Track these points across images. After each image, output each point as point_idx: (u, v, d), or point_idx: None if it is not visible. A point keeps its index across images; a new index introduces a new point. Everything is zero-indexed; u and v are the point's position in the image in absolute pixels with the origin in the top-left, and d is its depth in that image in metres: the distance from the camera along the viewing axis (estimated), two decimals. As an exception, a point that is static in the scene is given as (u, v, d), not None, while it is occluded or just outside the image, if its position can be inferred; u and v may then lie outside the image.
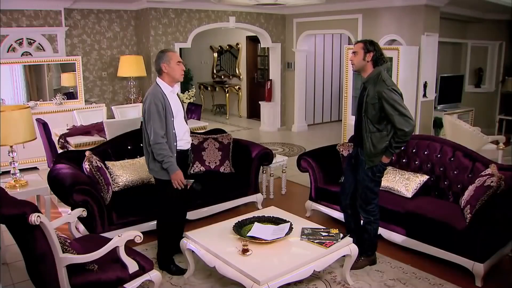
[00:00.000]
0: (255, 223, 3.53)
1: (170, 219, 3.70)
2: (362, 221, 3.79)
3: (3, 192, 2.81)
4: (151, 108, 3.35)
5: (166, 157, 3.37)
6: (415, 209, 3.96)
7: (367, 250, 3.75)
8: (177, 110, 3.52)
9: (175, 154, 3.48)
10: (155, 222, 4.30)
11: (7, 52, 6.91)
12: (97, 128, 5.77)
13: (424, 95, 7.16)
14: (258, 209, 4.87)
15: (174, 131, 3.46)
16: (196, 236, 3.44)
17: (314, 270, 3.15)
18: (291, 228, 3.40)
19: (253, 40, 11.11)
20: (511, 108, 9.16)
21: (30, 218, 2.47)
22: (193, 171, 5.07)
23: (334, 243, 3.28)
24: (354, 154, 3.74)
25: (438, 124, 7.54)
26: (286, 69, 9.84)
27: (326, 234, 3.40)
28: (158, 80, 3.49)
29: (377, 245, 3.83)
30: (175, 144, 3.48)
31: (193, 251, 3.44)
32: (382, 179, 4.39)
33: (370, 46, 3.40)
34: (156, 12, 7.89)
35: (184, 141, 3.59)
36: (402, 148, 3.46)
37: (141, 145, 4.77)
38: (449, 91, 8.30)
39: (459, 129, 6.30)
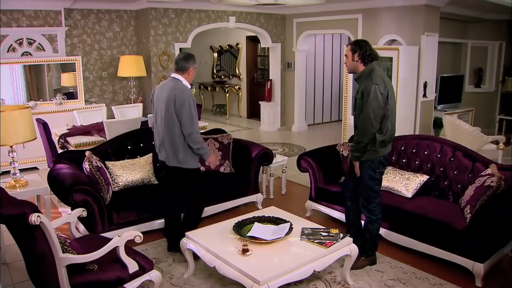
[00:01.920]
0: (255, 223, 3.53)
1: (202, 200, 4.12)
2: (364, 222, 3.80)
3: (3, 192, 2.81)
4: (191, 102, 3.68)
5: (203, 143, 3.78)
6: (415, 209, 3.96)
7: (368, 250, 3.76)
8: None
9: None
10: (155, 221, 4.34)
11: (7, 52, 6.90)
12: (97, 128, 5.77)
13: (424, 95, 7.17)
14: (258, 209, 4.87)
15: None
16: (196, 236, 3.44)
17: (314, 270, 3.15)
18: (291, 228, 3.40)
19: (253, 40, 11.11)
20: (511, 108, 9.16)
21: (30, 218, 2.47)
22: (193, 171, 5.07)
23: (334, 243, 3.28)
24: None
25: (438, 124, 7.54)
26: (286, 69, 9.84)
27: (326, 234, 3.40)
28: (180, 77, 3.77)
29: (377, 245, 3.84)
30: None
31: (193, 251, 3.44)
32: (382, 178, 4.42)
33: (355, 46, 3.53)
34: (156, 12, 7.89)
35: None
36: (358, 147, 3.47)
37: (142, 144, 4.83)
38: (449, 91, 8.30)
39: (459, 129, 6.30)
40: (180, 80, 3.76)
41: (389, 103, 3.49)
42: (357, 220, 3.93)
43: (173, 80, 3.76)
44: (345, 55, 3.65)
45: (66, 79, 7.41)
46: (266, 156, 5.08)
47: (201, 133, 5.28)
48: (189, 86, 3.82)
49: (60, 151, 5.31)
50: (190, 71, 3.79)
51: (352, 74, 7.48)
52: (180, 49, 8.56)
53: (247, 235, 3.33)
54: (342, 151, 4.86)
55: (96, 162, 4.10)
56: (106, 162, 4.43)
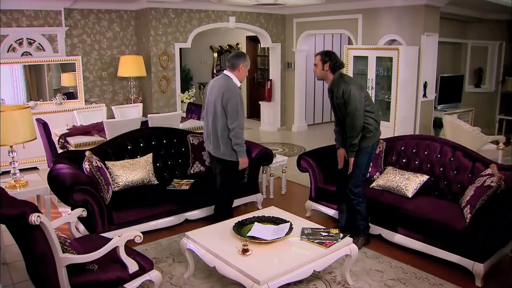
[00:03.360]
0: (255, 223, 3.53)
1: (234, 190, 4.39)
2: (352, 206, 4.11)
3: (3, 192, 2.81)
4: (238, 98, 3.91)
5: (243, 141, 3.99)
6: (415, 209, 3.96)
7: (365, 229, 4.10)
8: None
9: None
10: (155, 221, 4.35)
11: (7, 52, 6.90)
12: (97, 128, 5.77)
13: (424, 95, 7.17)
14: (258, 209, 4.87)
15: None
16: (196, 236, 3.44)
17: (314, 270, 3.15)
18: (291, 228, 3.40)
19: (253, 40, 11.11)
20: (511, 108, 9.16)
21: (30, 218, 2.47)
22: (193, 171, 5.07)
23: (334, 243, 3.28)
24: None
25: (438, 124, 7.54)
26: (286, 69, 9.84)
27: (326, 234, 3.40)
28: (231, 74, 4.01)
29: (369, 226, 4.16)
30: None
31: (193, 251, 3.44)
32: (382, 178, 4.44)
33: (325, 57, 3.89)
34: (156, 12, 7.89)
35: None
36: (353, 142, 3.87)
37: (142, 144, 4.84)
38: (449, 91, 8.30)
39: (459, 129, 6.30)
40: (230, 77, 3.99)
41: (367, 96, 3.93)
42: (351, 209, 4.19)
43: (224, 77, 4.02)
44: (315, 64, 3.97)
45: (66, 79, 7.41)
46: (266, 156, 5.08)
47: (201, 133, 5.31)
48: (239, 84, 4.03)
49: (60, 151, 5.31)
50: (241, 68, 3.99)
51: (352, 75, 7.54)
52: (180, 49, 8.57)
53: (247, 235, 3.33)
54: (342, 151, 4.85)
55: (96, 162, 4.10)
56: (106, 162, 4.43)
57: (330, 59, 3.86)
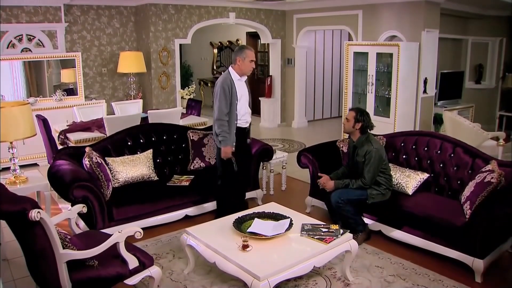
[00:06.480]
0: (255, 219, 3.54)
1: (229, 179, 4.38)
2: (335, 209, 4.15)
3: (3, 188, 2.81)
4: (219, 90, 4.10)
5: (223, 132, 4.12)
6: (415, 206, 3.96)
7: (358, 225, 4.08)
8: (241, 95, 4.21)
9: (235, 131, 4.19)
10: (155, 218, 4.35)
11: (7, 48, 6.89)
12: (97, 124, 5.77)
13: (425, 91, 7.16)
14: (258, 205, 4.87)
15: (236, 112, 4.15)
16: (196, 232, 3.45)
17: (314, 266, 3.15)
18: (291, 224, 3.41)
19: (253, 36, 11.08)
20: (511, 104, 9.15)
21: (30, 214, 2.47)
22: (193, 167, 5.07)
23: (334, 239, 3.29)
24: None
25: (438, 120, 7.53)
26: (286, 65, 9.83)
27: (326, 230, 3.40)
28: (230, 68, 4.23)
29: (363, 221, 4.16)
30: (235, 122, 4.19)
31: (193, 247, 3.45)
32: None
33: (360, 117, 4.06)
34: (156, 8, 7.87)
35: (243, 121, 4.30)
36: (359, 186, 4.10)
37: (142, 140, 4.87)
38: (449, 87, 8.29)
39: (459, 126, 6.29)
40: (229, 71, 4.20)
41: (385, 159, 4.12)
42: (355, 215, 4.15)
43: (225, 72, 4.23)
44: (347, 119, 4.12)
45: (66, 75, 7.40)
46: (266, 152, 5.08)
47: (201, 129, 5.32)
48: (238, 77, 4.18)
49: (60, 147, 5.31)
50: (238, 62, 4.15)
51: (352, 71, 7.54)
52: (180, 45, 8.55)
53: (247, 231, 3.34)
54: (342, 147, 4.85)
55: (96, 158, 4.10)
56: (106, 158, 4.43)
57: (363, 120, 4.04)
